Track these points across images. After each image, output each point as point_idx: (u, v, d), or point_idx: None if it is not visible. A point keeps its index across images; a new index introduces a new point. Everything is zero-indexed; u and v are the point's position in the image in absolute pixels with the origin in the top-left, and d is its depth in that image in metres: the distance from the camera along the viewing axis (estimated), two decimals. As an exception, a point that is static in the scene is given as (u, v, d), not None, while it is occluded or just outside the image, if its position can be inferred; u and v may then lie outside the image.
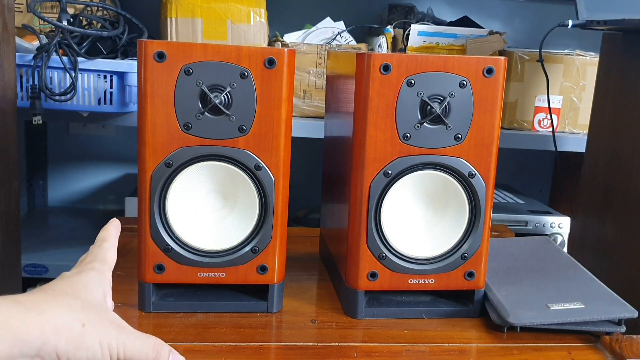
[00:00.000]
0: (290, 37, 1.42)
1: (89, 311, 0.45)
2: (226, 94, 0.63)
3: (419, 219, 0.70)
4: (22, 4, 1.25)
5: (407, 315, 0.70)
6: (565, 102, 1.43)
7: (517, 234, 0.99)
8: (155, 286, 0.69)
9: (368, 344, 0.64)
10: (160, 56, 0.62)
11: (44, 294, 0.45)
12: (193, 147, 0.64)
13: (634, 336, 0.64)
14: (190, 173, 0.65)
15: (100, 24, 1.27)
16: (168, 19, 1.30)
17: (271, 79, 0.64)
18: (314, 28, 1.45)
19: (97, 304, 0.48)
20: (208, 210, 0.68)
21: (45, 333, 0.41)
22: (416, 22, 1.47)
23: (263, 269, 0.68)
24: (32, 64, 1.12)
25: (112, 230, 0.57)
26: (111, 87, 1.18)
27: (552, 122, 1.37)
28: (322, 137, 0.89)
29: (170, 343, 0.61)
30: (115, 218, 0.59)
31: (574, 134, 1.43)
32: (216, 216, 0.68)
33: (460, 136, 0.66)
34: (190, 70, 0.63)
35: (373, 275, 0.68)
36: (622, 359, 0.61)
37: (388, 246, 0.68)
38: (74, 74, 1.14)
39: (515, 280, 0.74)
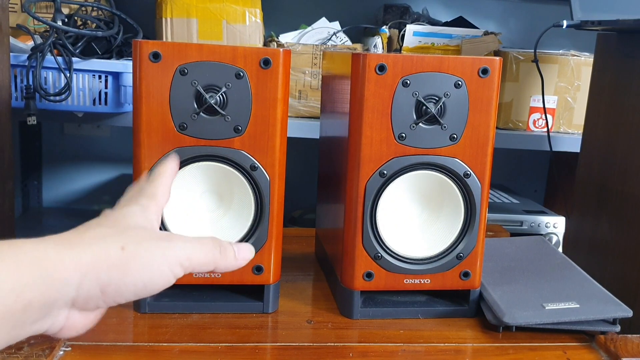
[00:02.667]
0: (286, 38, 1.42)
1: (128, 233, 0.40)
2: (221, 94, 0.63)
3: (414, 219, 0.70)
4: (16, 4, 1.25)
5: (403, 315, 0.70)
6: (560, 102, 1.43)
7: (513, 234, 0.99)
8: (151, 287, 0.68)
9: (364, 344, 0.64)
10: (156, 56, 0.62)
11: (75, 231, 0.40)
12: (188, 147, 0.64)
13: (629, 335, 0.65)
14: (186, 173, 0.65)
15: (95, 24, 1.26)
16: (163, 19, 1.30)
17: (267, 79, 0.64)
18: (309, 28, 1.45)
19: (137, 227, 0.42)
20: (203, 210, 0.67)
21: (79, 267, 0.36)
22: (411, 23, 1.47)
23: (259, 269, 0.68)
24: (26, 64, 1.12)
25: (169, 165, 0.50)
26: (106, 88, 1.17)
27: (547, 122, 1.37)
28: (318, 137, 0.89)
29: (165, 344, 0.61)
30: (175, 153, 0.52)
31: (569, 134, 1.44)
32: (211, 216, 0.68)
33: (455, 136, 0.66)
34: (186, 71, 0.62)
35: (369, 275, 0.68)
36: (616, 358, 0.61)
37: (384, 246, 0.68)
38: (68, 74, 1.13)
39: (511, 280, 0.74)
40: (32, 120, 1.12)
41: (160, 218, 0.45)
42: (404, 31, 1.42)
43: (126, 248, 0.38)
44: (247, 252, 0.46)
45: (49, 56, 1.13)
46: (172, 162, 0.51)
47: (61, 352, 0.58)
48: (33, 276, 0.34)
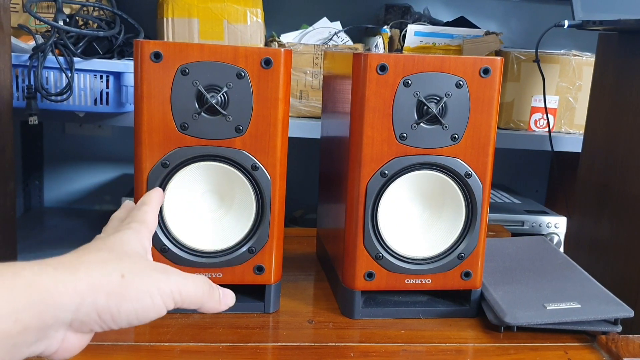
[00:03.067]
0: (287, 37, 1.42)
1: (128, 261, 0.41)
2: (223, 94, 0.63)
3: (415, 219, 0.70)
4: (18, 4, 1.25)
5: (404, 315, 0.70)
6: (562, 102, 1.43)
7: (514, 234, 0.99)
8: (152, 287, 0.68)
9: (365, 344, 0.64)
10: (157, 56, 0.62)
11: (74, 254, 0.40)
12: (190, 147, 0.64)
13: (630, 336, 0.65)
14: (187, 173, 0.65)
15: (96, 24, 1.26)
16: (164, 19, 1.30)
17: (268, 79, 0.64)
18: (310, 28, 1.45)
19: (135, 254, 0.43)
20: (205, 210, 0.68)
21: (80, 292, 0.36)
22: (413, 23, 1.47)
23: (260, 269, 0.68)
24: (28, 64, 1.12)
25: (154, 196, 0.53)
26: (107, 87, 1.17)
27: (548, 122, 1.37)
28: (319, 137, 0.89)
29: (167, 344, 0.61)
30: (159, 188, 0.56)
31: (570, 134, 1.44)
32: (213, 216, 0.68)
33: (456, 136, 0.66)
34: (187, 71, 0.62)
35: (370, 275, 0.68)
36: (618, 359, 0.61)
37: (385, 246, 0.68)
38: (70, 74, 1.13)
39: (512, 280, 0.74)
40: (33, 120, 1.12)
41: (151, 243, 0.47)
42: (405, 31, 1.42)
43: (125, 276, 0.39)
44: (230, 299, 0.48)
45: (50, 56, 1.13)
46: (158, 191, 0.55)
47: (62, 352, 0.58)
48: (30, 301, 0.34)
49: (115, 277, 0.39)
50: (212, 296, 0.45)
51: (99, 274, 0.38)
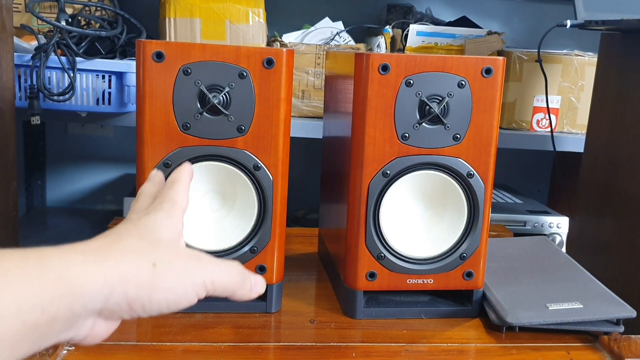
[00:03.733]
0: (289, 37, 1.42)
1: (160, 249, 0.40)
2: (225, 94, 0.63)
3: (417, 219, 0.70)
4: (20, 4, 1.25)
5: (406, 315, 0.70)
6: (564, 102, 1.43)
7: (516, 234, 0.99)
8: (154, 286, 0.68)
9: (367, 344, 0.64)
10: (159, 56, 0.62)
11: (104, 240, 0.39)
12: (192, 147, 0.64)
13: (632, 336, 0.65)
14: (189, 173, 0.65)
15: (98, 24, 1.27)
16: (166, 19, 1.30)
17: (270, 79, 0.64)
18: (312, 28, 1.45)
19: (167, 241, 0.42)
20: (207, 210, 0.68)
21: (109, 282, 0.36)
22: (415, 22, 1.47)
23: (262, 269, 0.68)
24: (30, 64, 1.12)
25: (184, 173, 0.50)
26: (110, 87, 1.18)
27: (550, 122, 1.37)
28: (321, 137, 0.89)
29: (169, 344, 0.61)
30: (188, 162, 0.53)
31: (573, 134, 1.43)
32: (215, 216, 0.68)
33: (458, 136, 0.66)
34: (189, 71, 0.63)
35: (372, 275, 0.68)
36: (620, 359, 0.61)
37: (387, 246, 0.68)
38: (72, 74, 1.13)
39: (514, 280, 0.74)
40: (35, 120, 1.13)
41: (183, 224, 0.45)
42: (407, 31, 1.42)
43: (157, 266, 0.38)
44: (261, 287, 0.47)
45: (52, 56, 1.13)
46: (188, 166, 0.51)
47: (64, 352, 0.58)
48: (58, 293, 0.34)
49: (147, 267, 0.38)
50: (244, 285, 0.44)
51: (129, 264, 0.37)
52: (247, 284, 0.44)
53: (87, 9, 1.28)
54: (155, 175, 0.52)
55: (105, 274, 0.36)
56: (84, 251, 0.36)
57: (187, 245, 0.66)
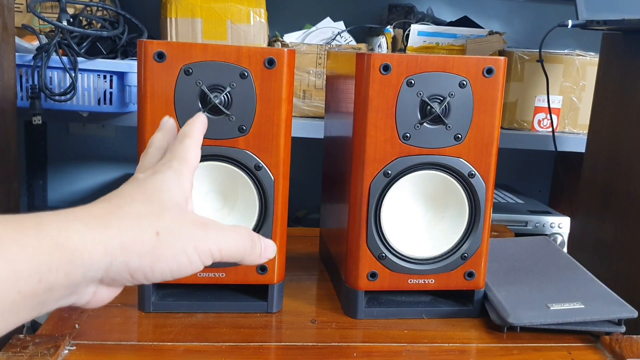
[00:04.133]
0: (290, 37, 1.42)
1: (164, 216, 0.38)
2: (226, 94, 0.63)
3: (418, 219, 0.70)
4: (22, 4, 1.25)
5: (407, 315, 0.70)
6: (565, 102, 1.43)
7: (517, 234, 0.99)
8: (155, 286, 0.69)
9: (368, 344, 0.64)
10: (160, 56, 0.62)
11: (107, 204, 0.38)
12: (193, 147, 0.64)
13: (634, 336, 0.64)
14: (190, 173, 0.65)
15: (100, 24, 1.27)
16: (168, 19, 1.30)
17: (271, 79, 0.64)
18: (313, 28, 1.45)
19: (174, 206, 0.40)
20: (208, 210, 0.68)
21: (110, 251, 0.35)
22: (416, 22, 1.47)
23: (263, 269, 0.68)
24: (32, 64, 1.12)
25: (197, 125, 0.47)
26: (111, 87, 1.18)
27: (552, 122, 1.37)
28: (322, 137, 0.89)
29: (170, 343, 0.61)
30: (201, 113, 0.50)
31: (574, 134, 1.43)
32: (216, 216, 0.68)
33: (460, 136, 0.66)
34: (190, 71, 0.63)
35: (373, 275, 0.68)
36: (622, 359, 0.61)
37: (388, 246, 0.68)
38: (73, 74, 1.14)
39: (515, 281, 0.74)
40: (37, 120, 1.13)
41: (192, 184, 0.43)
42: (409, 31, 1.42)
43: (160, 234, 0.37)
44: (271, 252, 0.45)
45: (54, 56, 1.13)
46: (200, 121, 0.48)
47: (66, 351, 0.59)
48: (56, 262, 0.33)
49: (150, 235, 0.36)
50: (253, 250, 0.43)
51: (131, 232, 0.36)
52: (257, 250, 0.43)
53: (88, 9, 1.28)
54: (167, 122, 0.50)
55: (106, 242, 0.35)
56: (85, 218, 0.35)
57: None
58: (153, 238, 0.37)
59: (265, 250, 0.44)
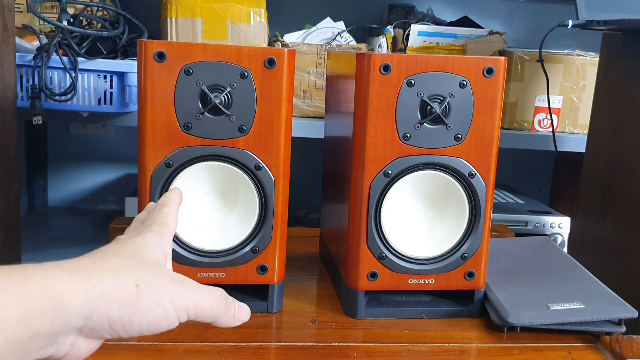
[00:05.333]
0: (290, 37, 1.42)
1: (144, 269, 0.40)
2: (226, 94, 0.63)
3: (419, 219, 0.70)
4: (22, 4, 1.25)
5: (407, 315, 0.70)
6: (565, 102, 1.43)
7: (517, 234, 0.99)
8: (155, 286, 0.68)
9: (368, 344, 0.64)
10: (160, 56, 0.62)
11: (90, 259, 0.39)
12: (193, 147, 0.64)
13: (634, 336, 0.64)
14: (190, 173, 0.65)
15: (100, 24, 1.27)
16: (168, 19, 1.30)
17: (271, 79, 0.64)
18: (314, 28, 1.45)
19: (154, 262, 0.42)
20: (208, 210, 0.68)
21: (91, 299, 0.36)
22: (416, 22, 1.47)
23: (263, 269, 0.68)
24: (32, 64, 1.12)
25: (173, 196, 0.53)
26: (111, 87, 1.18)
27: (552, 122, 1.37)
28: (322, 137, 0.89)
29: (169, 343, 0.61)
30: (178, 188, 0.56)
31: (574, 134, 1.43)
32: (216, 216, 0.68)
33: (460, 136, 0.66)
34: (190, 71, 0.63)
35: (373, 275, 0.68)
36: (622, 359, 0.61)
37: (388, 246, 0.68)
38: (74, 74, 1.14)
39: (515, 281, 0.74)
40: (37, 120, 1.13)
41: (171, 246, 0.47)
42: (409, 31, 1.42)
43: (140, 286, 0.38)
44: (244, 315, 0.47)
45: (54, 56, 1.13)
46: (177, 191, 0.55)
47: (66, 351, 0.58)
48: (41, 308, 0.34)
49: (130, 286, 0.38)
50: (227, 311, 0.44)
51: (112, 282, 0.37)
52: (231, 311, 0.44)
53: (88, 9, 1.28)
54: (151, 205, 0.56)
55: (88, 290, 0.36)
56: (68, 268, 0.37)
57: (185, 246, 0.66)
58: (133, 289, 0.38)
59: (239, 312, 0.46)
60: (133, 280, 0.38)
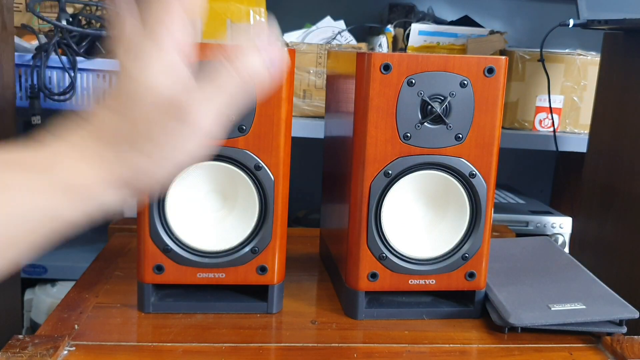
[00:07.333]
0: (290, 37, 1.41)
1: (143, 139, 0.37)
2: (226, 93, 0.63)
3: (419, 219, 0.70)
4: (21, 4, 1.25)
5: (408, 316, 0.70)
6: (567, 101, 1.42)
7: (518, 235, 0.99)
8: (155, 287, 0.68)
9: (368, 344, 0.64)
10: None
11: (90, 134, 0.38)
12: (192, 147, 0.64)
13: (635, 337, 0.64)
14: (190, 173, 0.65)
15: (99, 24, 1.26)
16: (168, 18, 1.29)
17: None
18: (314, 27, 1.45)
19: (152, 119, 0.37)
20: (208, 210, 0.67)
21: (113, 185, 0.37)
22: (417, 22, 1.47)
23: (263, 269, 0.67)
24: (31, 63, 1.12)
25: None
26: (110, 87, 1.17)
27: (553, 122, 1.36)
28: (322, 137, 0.89)
29: (169, 344, 0.61)
30: None
31: (575, 134, 1.43)
32: (216, 216, 0.67)
33: (461, 136, 0.66)
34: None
35: (373, 275, 0.68)
36: (623, 360, 0.61)
37: (388, 246, 0.68)
38: (73, 74, 1.13)
39: (516, 281, 0.74)
40: (36, 120, 1.12)
41: (182, 61, 0.38)
42: (409, 30, 1.42)
43: (145, 152, 0.37)
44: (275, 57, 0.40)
45: (53, 55, 1.13)
46: None
47: (65, 352, 0.58)
48: (67, 203, 0.36)
49: (138, 159, 0.37)
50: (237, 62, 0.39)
51: (123, 164, 0.37)
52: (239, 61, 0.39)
53: (87, 8, 1.28)
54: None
55: (107, 179, 0.37)
56: (82, 155, 0.37)
57: (185, 246, 0.66)
58: (143, 159, 0.37)
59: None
60: (139, 151, 0.37)
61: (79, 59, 1.15)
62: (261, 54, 0.39)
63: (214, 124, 0.38)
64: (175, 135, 0.37)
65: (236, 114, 0.40)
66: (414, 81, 0.64)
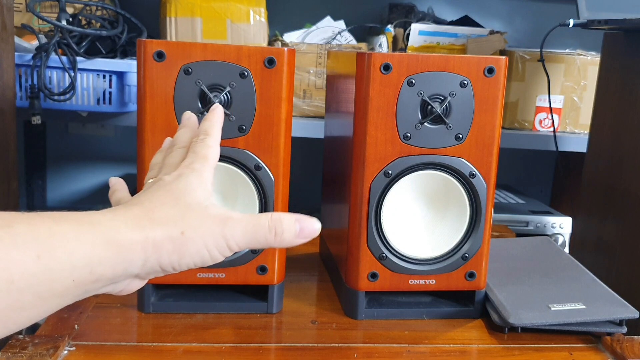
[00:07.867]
0: (290, 37, 1.41)
1: (189, 216, 0.43)
2: (226, 93, 0.63)
3: (419, 219, 0.70)
4: (21, 4, 1.25)
5: (408, 316, 0.70)
6: (567, 101, 1.42)
7: (518, 235, 0.99)
8: (155, 287, 0.68)
9: (368, 344, 0.64)
10: (160, 56, 0.62)
11: (141, 209, 0.42)
12: (192, 147, 0.64)
13: (635, 337, 0.64)
14: (190, 173, 0.65)
15: (99, 24, 1.26)
16: (167, 18, 1.30)
17: (271, 79, 0.64)
18: (314, 27, 1.45)
19: (197, 206, 0.44)
20: (207, 210, 0.67)
21: (146, 250, 0.40)
22: (417, 22, 1.47)
23: (263, 269, 0.67)
24: (31, 63, 1.12)
25: (215, 120, 0.50)
26: (110, 87, 1.17)
27: (553, 122, 1.36)
28: (322, 137, 0.89)
29: (169, 344, 0.61)
30: (219, 105, 0.52)
31: (575, 134, 1.43)
32: (216, 216, 0.67)
33: (461, 136, 0.66)
34: (190, 70, 0.62)
35: (373, 275, 0.68)
36: (623, 360, 0.61)
37: (388, 247, 0.68)
38: (73, 74, 1.13)
39: (516, 281, 0.74)
40: (36, 120, 1.12)
41: (211, 176, 0.47)
42: (409, 30, 1.42)
43: (185, 233, 0.41)
44: (309, 231, 0.47)
45: (53, 55, 1.13)
46: (218, 114, 0.51)
47: (65, 352, 0.58)
48: (106, 255, 0.38)
49: (176, 235, 0.41)
50: (281, 238, 0.45)
51: (162, 233, 0.41)
52: (287, 236, 0.46)
53: (87, 8, 1.27)
54: (190, 118, 0.53)
55: (143, 243, 0.40)
56: (126, 219, 0.41)
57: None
58: (179, 237, 0.41)
59: (302, 230, 0.47)
60: (179, 229, 0.41)
61: (79, 59, 1.15)
62: (297, 225, 0.46)
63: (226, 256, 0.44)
64: (204, 232, 0.42)
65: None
66: (414, 81, 0.64)
